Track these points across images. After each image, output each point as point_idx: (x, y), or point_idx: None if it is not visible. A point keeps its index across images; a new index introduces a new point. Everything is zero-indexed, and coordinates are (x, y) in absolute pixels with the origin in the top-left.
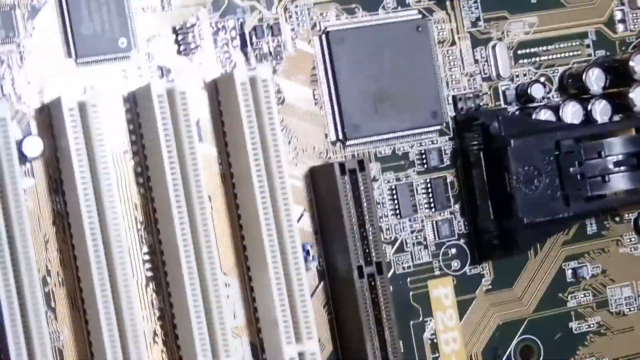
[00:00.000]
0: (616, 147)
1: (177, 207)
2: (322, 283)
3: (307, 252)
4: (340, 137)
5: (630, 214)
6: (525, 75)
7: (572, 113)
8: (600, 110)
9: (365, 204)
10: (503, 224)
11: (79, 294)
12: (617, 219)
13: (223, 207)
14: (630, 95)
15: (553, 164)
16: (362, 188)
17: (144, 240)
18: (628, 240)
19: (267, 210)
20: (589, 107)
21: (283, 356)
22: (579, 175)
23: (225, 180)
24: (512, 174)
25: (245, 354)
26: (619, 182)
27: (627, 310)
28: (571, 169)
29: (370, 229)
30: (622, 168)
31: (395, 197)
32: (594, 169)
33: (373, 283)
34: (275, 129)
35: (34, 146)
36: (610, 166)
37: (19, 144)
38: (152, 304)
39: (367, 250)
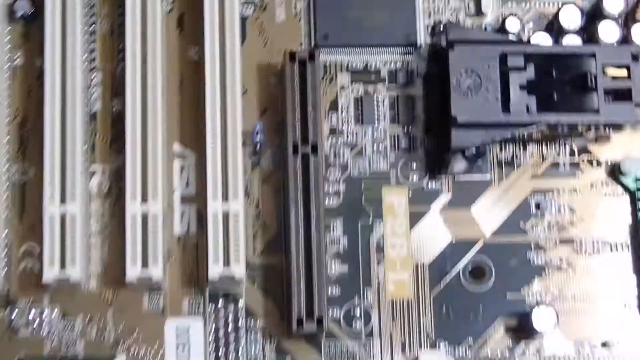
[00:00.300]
0: (565, 69)
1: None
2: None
3: (257, 132)
4: (313, 44)
5: (609, 161)
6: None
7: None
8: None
9: (310, 91)
10: (443, 127)
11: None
12: (593, 162)
13: (194, 88)
14: (598, 29)
15: (496, 73)
16: (309, 77)
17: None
18: (601, 185)
19: (216, 90)
20: (560, 40)
21: (209, 213)
22: (522, 88)
23: (198, 67)
24: (451, 75)
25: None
26: (564, 103)
27: (593, 252)
28: (516, 81)
29: (311, 113)
30: (568, 89)
31: (360, 106)
32: (538, 85)
33: (307, 163)
34: (234, 25)
35: (25, 6)
36: (556, 85)
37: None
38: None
39: (305, 131)
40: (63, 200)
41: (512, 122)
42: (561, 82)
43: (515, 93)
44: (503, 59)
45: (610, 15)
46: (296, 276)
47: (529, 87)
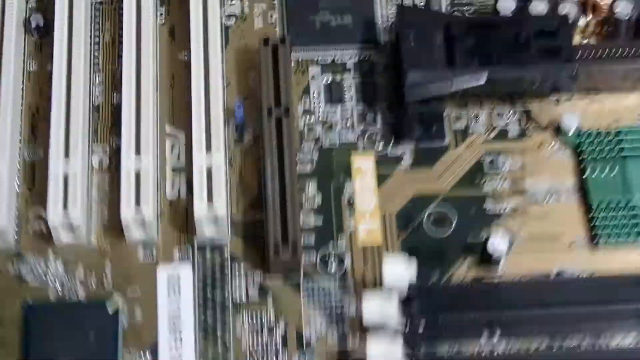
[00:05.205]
0: (504, 33)
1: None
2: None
3: (239, 106)
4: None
5: (552, 123)
6: None
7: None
8: None
9: (281, 66)
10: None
11: None
12: (537, 128)
13: (183, 84)
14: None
15: (442, 44)
16: (280, 58)
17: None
18: (547, 146)
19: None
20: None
21: (194, 164)
22: (468, 53)
23: (186, 66)
24: (404, 38)
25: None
26: (505, 66)
27: (544, 201)
28: (461, 48)
29: (283, 82)
30: (508, 52)
31: (330, 89)
32: (481, 50)
33: (280, 125)
34: (217, 26)
35: (39, 19)
36: (497, 49)
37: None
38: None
39: (277, 98)
40: (67, 155)
41: (457, 73)
42: (500, 44)
43: (459, 53)
44: (448, 27)
45: None
46: (272, 209)
47: (472, 49)
